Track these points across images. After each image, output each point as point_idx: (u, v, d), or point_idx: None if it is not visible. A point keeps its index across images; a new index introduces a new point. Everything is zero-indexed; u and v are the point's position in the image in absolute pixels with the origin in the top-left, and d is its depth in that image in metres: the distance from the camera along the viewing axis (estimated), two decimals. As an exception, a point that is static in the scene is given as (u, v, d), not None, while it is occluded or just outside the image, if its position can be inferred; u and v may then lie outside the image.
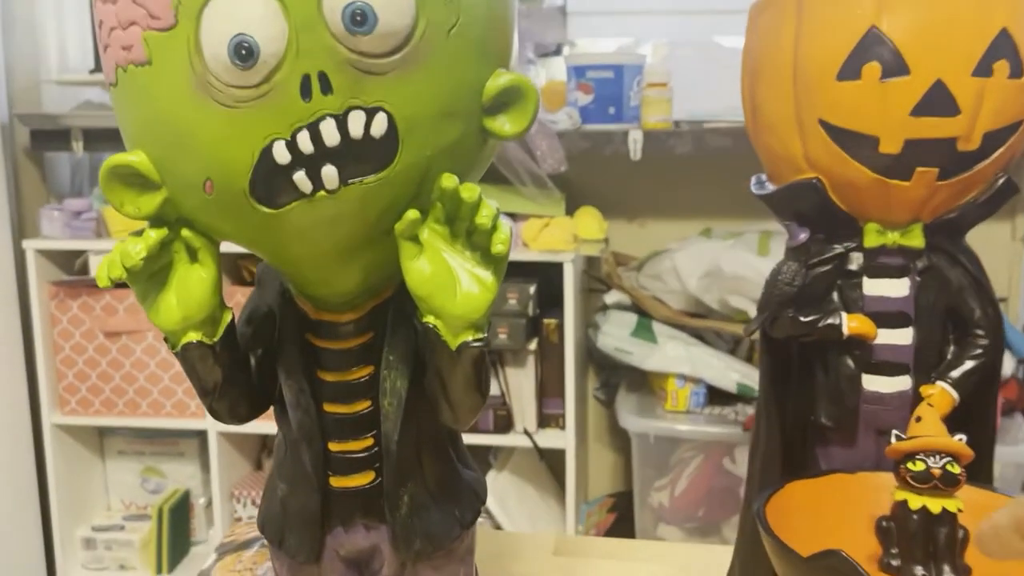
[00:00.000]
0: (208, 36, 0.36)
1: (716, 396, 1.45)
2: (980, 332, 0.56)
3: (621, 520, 1.61)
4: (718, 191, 1.64)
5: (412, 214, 0.40)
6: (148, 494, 1.73)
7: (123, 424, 1.62)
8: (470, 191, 0.40)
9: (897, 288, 0.55)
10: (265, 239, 0.42)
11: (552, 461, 1.64)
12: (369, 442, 0.47)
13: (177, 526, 1.69)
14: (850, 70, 0.51)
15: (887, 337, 0.56)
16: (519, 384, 1.54)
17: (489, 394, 0.45)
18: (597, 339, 1.55)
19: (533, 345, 1.52)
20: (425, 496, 0.48)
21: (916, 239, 0.55)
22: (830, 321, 0.55)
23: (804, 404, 0.60)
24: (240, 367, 0.46)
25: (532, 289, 1.49)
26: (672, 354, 1.45)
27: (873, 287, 0.56)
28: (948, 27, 0.49)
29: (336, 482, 0.47)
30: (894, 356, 0.56)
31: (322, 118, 0.37)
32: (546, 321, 1.53)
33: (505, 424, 1.53)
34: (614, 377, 1.66)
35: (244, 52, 0.36)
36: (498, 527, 1.57)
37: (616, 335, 1.51)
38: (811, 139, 0.53)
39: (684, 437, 1.44)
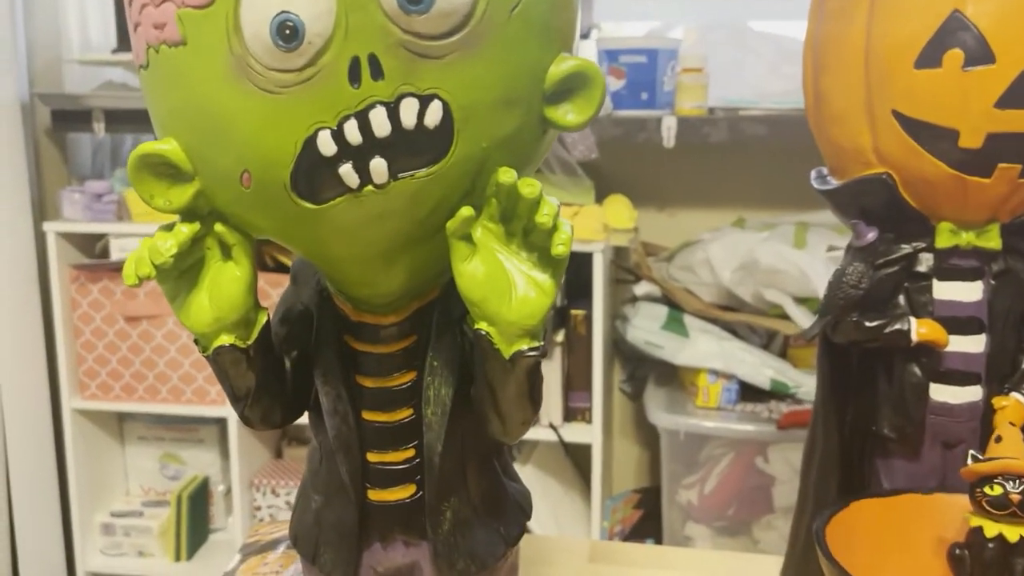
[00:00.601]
0: (249, 14, 0.33)
1: (749, 392, 1.41)
2: None
3: (648, 517, 1.58)
4: (753, 180, 1.60)
5: (466, 211, 0.36)
6: (167, 480, 1.72)
7: (143, 410, 1.61)
8: (530, 186, 0.36)
9: (970, 292, 0.52)
10: (306, 236, 0.38)
11: (577, 456, 1.61)
12: (410, 453, 0.44)
13: (196, 513, 1.67)
14: (930, 57, 0.47)
15: (958, 344, 0.52)
16: (545, 377, 1.50)
17: (540, 406, 0.42)
18: (626, 332, 1.52)
19: (560, 337, 1.49)
20: (469, 512, 0.45)
21: (992, 240, 0.51)
22: (898, 327, 0.52)
23: (865, 413, 0.56)
24: (274, 371, 0.43)
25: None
26: (704, 348, 1.42)
27: (944, 290, 0.52)
28: None
29: (375, 495, 0.44)
30: (965, 365, 0.52)
31: (372, 106, 0.34)
32: (574, 312, 1.49)
33: (530, 417, 1.50)
34: (641, 370, 1.63)
35: (288, 32, 0.32)
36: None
37: (646, 328, 1.47)
38: (883, 131, 0.50)
39: (715, 434, 1.41)
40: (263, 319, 0.41)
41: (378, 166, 0.34)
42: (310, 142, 0.34)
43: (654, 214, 1.67)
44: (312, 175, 0.35)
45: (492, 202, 0.37)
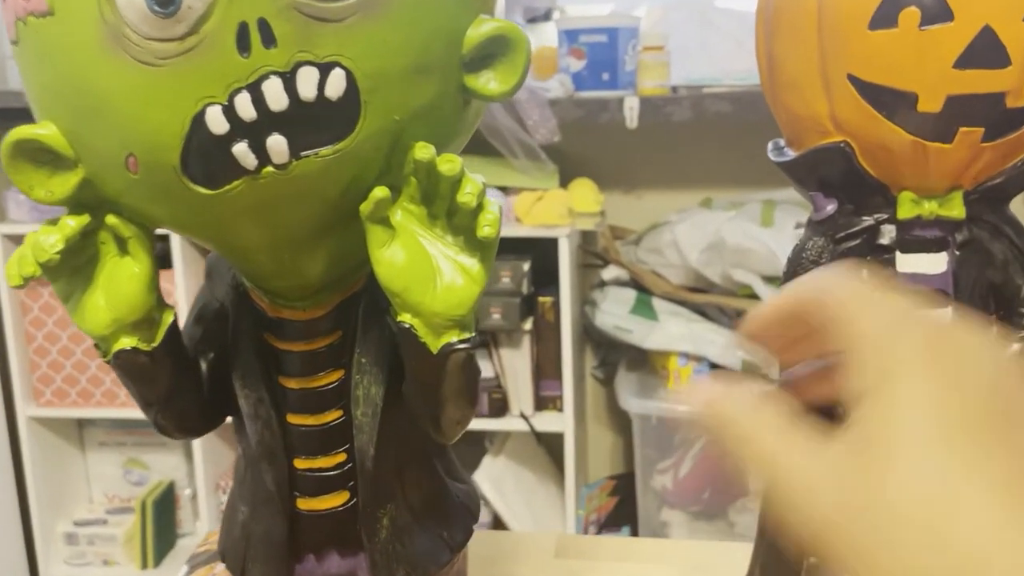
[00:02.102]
0: None
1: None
2: (1022, 310, 0.50)
3: (623, 504, 1.55)
4: (719, 159, 1.57)
5: (380, 192, 0.33)
6: (131, 486, 1.67)
7: (102, 415, 1.56)
8: (450, 163, 0.33)
9: (934, 264, 0.50)
10: (206, 225, 0.35)
11: (550, 444, 1.59)
12: (341, 458, 0.41)
13: (162, 519, 1.63)
14: (885, 17, 0.45)
15: (916, 264, 0.50)
16: (514, 366, 1.48)
17: (477, 403, 0.39)
18: (595, 317, 1.49)
19: (528, 325, 1.46)
20: (408, 518, 0.42)
21: (956, 209, 0.49)
22: None
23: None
24: (187, 375, 0.39)
25: (526, 266, 1.43)
26: (673, 331, 1.39)
27: (907, 263, 0.50)
28: None
29: (304, 504, 0.41)
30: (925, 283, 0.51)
31: (265, 77, 0.30)
32: (541, 299, 1.46)
33: (500, 408, 1.47)
34: (612, 355, 1.60)
35: (164, -4, 0.29)
36: (495, 514, 1.51)
37: (615, 312, 1.45)
38: (838, 97, 0.47)
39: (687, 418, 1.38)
40: (169, 319, 0.37)
41: (276, 144, 0.31)
42: (198, 120, 0.31)
43: (621, 197, 1.64)
44: (204, 157, 0.31)
45: (411, 181, 0.34)
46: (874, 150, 0.48)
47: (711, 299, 1.41)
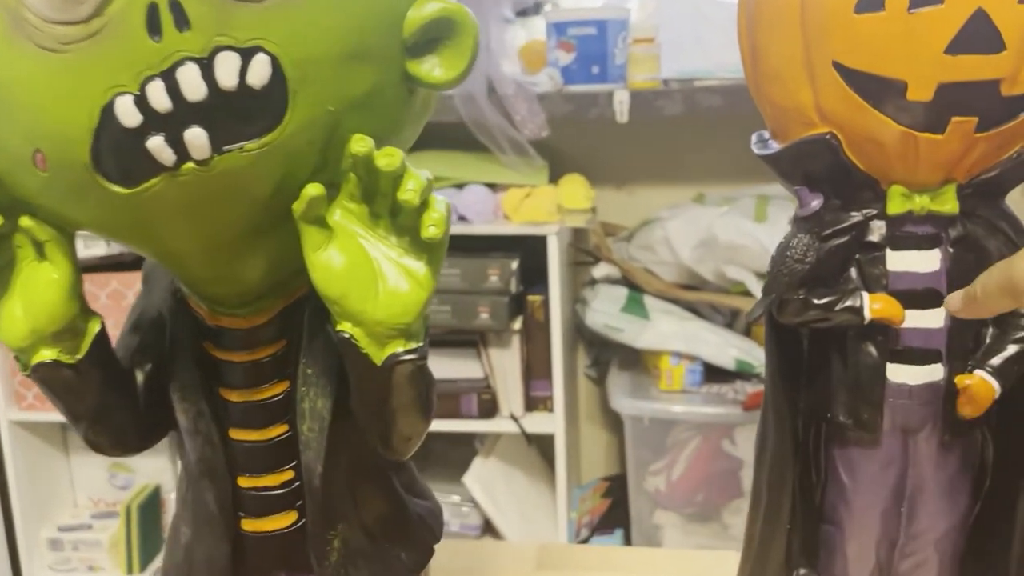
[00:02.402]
0: None
1: (713, 373, 1.36)
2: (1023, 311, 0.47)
3: (616, 506, 1.53)
4: (711, 154, 1.54)
5: (312, 190, 0.30)
6: (117, 490, 1.64)
7: (86, 418, 1.53)
8: (389, 157, 0.30)
9: (926, 262, 0.47)
10: (127, 228, 0.32)
11: (541, 446, 1.56)
12: (288, 475, 0.38)
13: (148, 523, 1.60)
14: (871, 0, 0.42)
15: (915, 319, 0.47)
16: (503, 366, 1.45)
17: (432, 416, 0.36)
18: (586, 316, 1.46)
19: (517, 324, 1.43)
20: (362, 539, 0.39)
21: (949, 203, 0.46)
22: (849, 303, 0.46)
23: (819, 400, 0.51)
24: (120, 388, 0.37)
25: (514, 264, 1.40)
26: (666, 330, 1.36)
27: (898, 261, 0.47)
28: None
29: (249, 525, 0.38)
30: (924, 341, 0.47)
31: (180, 63, 0.27)
32: (530, 298, 1.43)
33: (490, 409, 1.44)
34: (604, 355, 1.57)
35: (63, -27, 0.26)
36: (486, 518, 1.49)
37: (606, 311, 1.42)
38: (824, 86, 0.44)
39: (680, 419, 1.35)
40: (95, 328, 0.35)
41: (196, 138, 0.28)
42: (108, 111, 0.28)
43: (612, 193, 1.61)
44: (117, 152, 0.29)
45: (350, 178, 0.31)
46: (861, 142, 0.45)
47: (704, 296, 1.38)
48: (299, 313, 0.36)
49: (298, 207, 0.31)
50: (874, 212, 0.47)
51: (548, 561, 0.72)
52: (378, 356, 0.32)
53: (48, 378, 0.34)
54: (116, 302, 1.42)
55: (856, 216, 0.47)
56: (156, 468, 1.65)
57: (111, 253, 1.35)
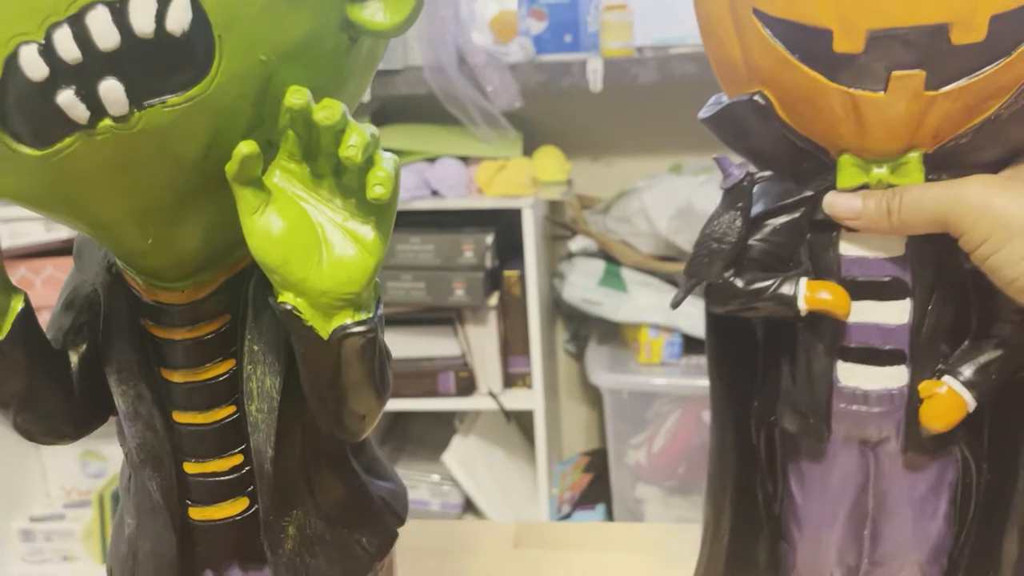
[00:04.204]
0: None
1: (693, 345, 1.34)
2: (1012, 306, 0.38)
3: (597, 480, 1.52)
4: (687, 123, 1.51)
5: (245, 148, 0.28)
6: (90, 479, 1.61)
7: (55, 406, 1.49)
8: (327, 109, 0.27)
9: (886, 245, 0.39)
10: (45, 195, 0.29)
11: (521, 422, 1.54)
12: (237, 460, 0.36)
13: (123, 511, 1.58)
14: None
15: (873, 313, 0.40)
16: (481, 343, 1.43)
17: (388, 392, 0.34)
18: (563, 290, 1.44)
19: (494, 300, 1.41)
20: (319, 525, 0.37)
21: (913, 175, 0.38)
22: (781, 290, 0.39)
23: (767, 400, 0.44)
24: (49, 371, 0.34)
25: (489, 239, 1.37)
26: (644, 303, 1.34)
27: (853, 244, 0.40)
28: None
29: (197, 514, 0.36)
30: (883, 340, 0.40)
31: (90, 6, 0.25)
32: (507, 273, 1.41)
33: (468, 386, 1.42)
34: (584, 328, 1.56)
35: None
36: (467, 497, 1.47)
37: (583, 285, 1.40)
38: (749, 38, 0.37)
39: (660, 391, 1.34)
40: (18, 306, 0.32)
41: (111, 91, 0.25)
42: (11, 63, 0.25)
43: (588, 164, 1.59)
44: (25, 109, 0.26)
45: (289, 135, 0.29)
46: (796, 102, 0.38)
47: (682, 268, 1.37)
48: (243, 286, 0.34)
49: (231, 168, 0.28)
50: (826, 186, 0.39)
51: (525, 539, 0.70)
52: (324, 329, 0.30)
53: (-32, 361, 0.31)
54: (52, 289, 1.38)
55: (806, 191, 0.40)
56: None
57: (45, 240, 1.31)
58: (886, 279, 0.39)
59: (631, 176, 1.51)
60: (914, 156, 0.37)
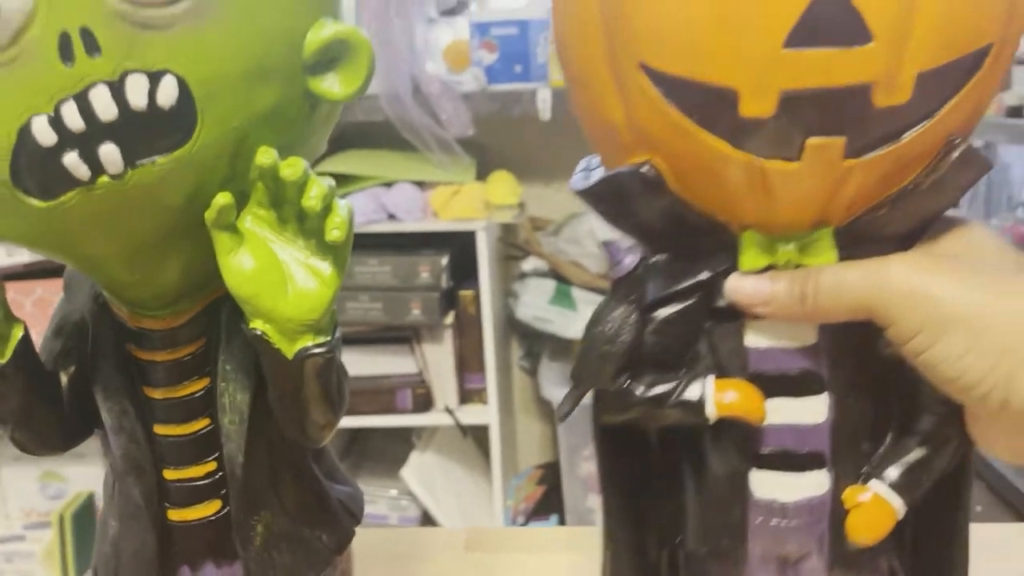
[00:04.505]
0: None
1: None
2: (937, 397, 0.33)
3: (551, 492, 1.57)
4: (633, 149, 1.59)
5: (222, 199, 0.33)
6: (49, 500, 1.62)
7: (15, 428, 1.51)
8: (291, 167, 0.33)
9: (798, 334, 0.35)
10: (46, 238, 0.34)
11: (477, 437, 1.59)
12: (211, 466, 0.40)
13: (82, 531, 1.59)
14: None
15: (787, 412, 0.35)
16: (437, 360, 1.48)
17: (345, 405, 0.39)
18: (516, 309, 1.50)
19: (449, 319, 1.46)
20: (284, 524, 0.41)
21: (824, 253, 0.33)
22: (686, 395, 0.34)
23: (669, 518, 0.38)
24: (44, 391, 0.39)
25: (444, 261, 1.43)
26: (593, 320, 1.41)
27: (761, 334, 0.35)
28: None
29: (175, 515, 0.41)
30: (800, 442, 0.35)
31: (92, 85, 0.30)
32: (462, 293, 1.46)
33: (425, 402, 1.47)
34: (536, 346, 1.61)
35: (-23, 7, 0.28)
36: (424, 510, 1.51)
37: (534, 304, 1.46)
38: (635, 97, 0.31)
39: (609, 405, 1.40)
40: (18, 333, 0.36)
41: (109, 154, 0.30)
42: (25, 131, 0.30)
43: (540, 188, 1.65)
44: (35, 169, 0.31)
45: (259, 187, 0.34)
46: (692, 172, 0.32)
47: (629, 287, 1.43)
48: (217, 313, 0.39)
49: (210, 215, 0.33)
50: (725, 267, 0.34)
51: (477, 543, 0.75)
52: (289, 350, 0.35)
53: (-27, 383, 0.36)
54: (41, 310, 1.41)
55: (703, 273, 0.34)
56: (88, 476, 1.63)
57: (35, 260, 1.34)
58: (799, 372, 0.35)
59: (580, 200, 1.57)
60: (825, 232, 0.33)
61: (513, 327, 1.65)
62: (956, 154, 0.31)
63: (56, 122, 0.30)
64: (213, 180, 0.33)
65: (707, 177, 0.32)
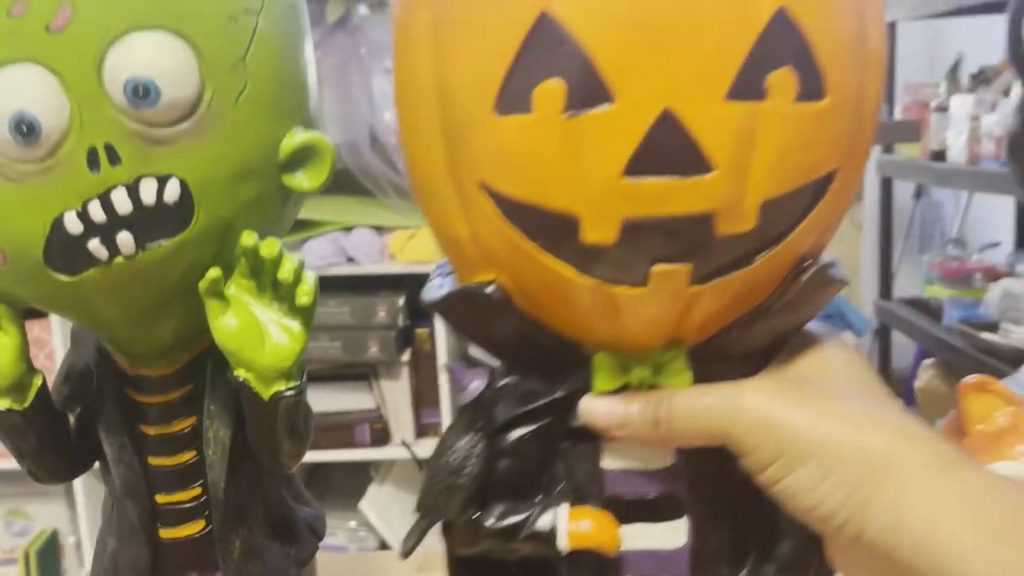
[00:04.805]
0: None
1: (585, 394, 1.49)
2: (799, 523, 0.32)
3: (503, 521, 1.64)
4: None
5: (213, 273, 0.41)
6: (14, 537, 1.65)
7: (-20, 467, 1.54)
8: (270, 247, 0.41)
9: (655, 456, 0.34)
10: (67, 303, 0.42)
11: (433, 469, 1.65)
12: (197, 491, 0.48)
13: (46, 568, 1.62)
14: (515, 96, 0.28)
15: (647, 537, 0.34)
16: (394, 396, 1.55)
17: (310, 438, 0.47)
18: (470, 345, 1.58)
19: (406, 356, 1.53)
20: (259, 539, 0.49)
21: (678, 374, 0.33)
22: (538, 527, 0.33)
23: None
24: (56, 429, 0.46)
25: (401, 301, 1.51)
26: (541, 357, 1.49)
27: (618, 456, 0.34)
28: (676, 11, 0.27)
29: (166, 533, 0.48)
30: (659, 568, 0.34)
31: (113, 187, 0.38)
32: (418, 331, 1.54)
33: (382, 437, 1.54)
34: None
35: (26, 128, 0.36)
36: (382, 541, 1.57)
37: (487, 341, 1.53)
38: (476, 216, 0.31)
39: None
40: (38, 382, 0.44)
41: (124, 240, 0.38)
42: (58, 223, 0.38)
43: (492, 231, 1.74)
44: (63, 251, 0.39)
45: (242, 262, 0.42)
46: (540, 293, 0.32)
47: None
48: (202, 363, 0.46)
49: (203, 285, 0.41)
50: (580, 385, 0.33)
51: (429, 565, 0.82)
52: (266, 393, 0.43)
53: (2, 422, 0.43)
54: (36, 348, 1.45)
55: (557, 392, 0.34)
56: (53, 514, 1.67)
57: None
58: (657, 496, 0.34)
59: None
60: (680, 351, 0.33)
61: (468, 363, 1.73)
62: (806, 276, 0.31)
63: (83, 216, 0.38)
64: (205, 257, 0.41)
65: (555, 299, 0.31)
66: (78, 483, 1.54)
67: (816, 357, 0.32)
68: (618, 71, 0.27)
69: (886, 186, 2.39)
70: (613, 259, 0.29)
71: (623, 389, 0.33)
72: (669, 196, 0.28)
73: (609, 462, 0.34)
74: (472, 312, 0.33)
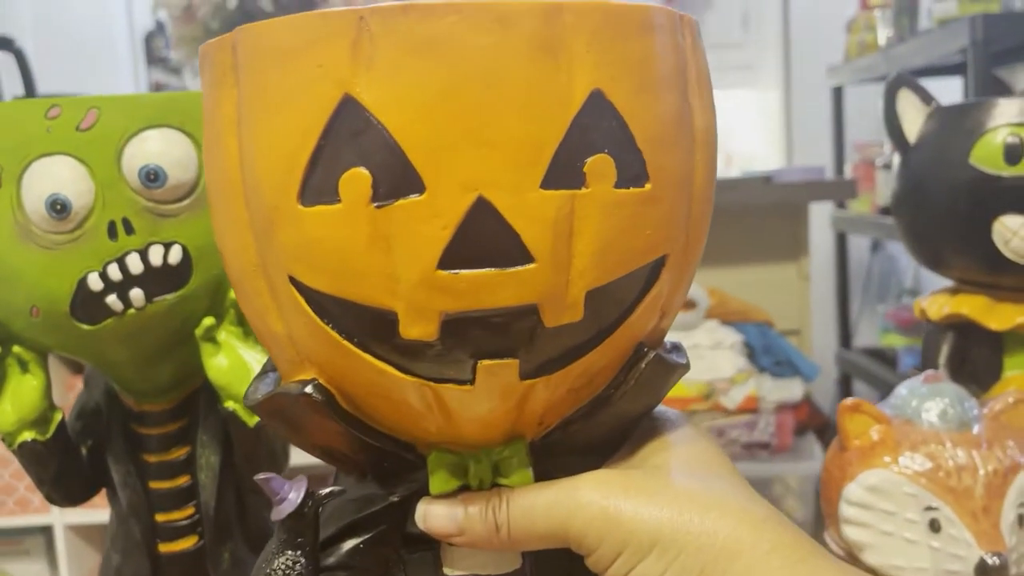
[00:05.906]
0: (28, 195, 0.46)
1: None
2: None
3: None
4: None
5: (207, 321, 0.50)
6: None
7: (-37, 528, 1.58)
8: None
9: (502, 561, 0.32)
10: (86, 349, 0.51)
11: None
12: (191, 511, 0.56)
13: (27, 627, 1.65)
14: (321, 185, 0.27)
15: None
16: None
17: (288, 460, 0.55)
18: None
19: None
20: (245, 551, 0.57)
21: (519, 471, 0.31)
22: None
23: None
24: (72, 458, 0.54)
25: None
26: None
27: (459, 561, 0.32)
28: (487, 93, 0.25)
29: (164, 548, 0.56)
30: None
31: (128, 252, 0.47)
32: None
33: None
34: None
35: (59, 207, 0.45)
36: None
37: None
38: (289, 311, 0.29)
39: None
40: (59, 417, 0.52)
41: (136, 295, 0.47)
42: (82, 282, 0.47)
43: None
44: (86, 305, 0.47)
45: (231, 312, 0.51)
46: (363, 394, 0.30)
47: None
48: (197, 399, 0.55)
49: (199, 331, 0.50)
50: (416, 488, 0.32)
51: None
52: (251, 421, 0.51)
53: (28, 452, 0.51)
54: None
55: (392, 496, 0.32)
56: (32, 573, 1.70)
57: None
58: None
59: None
60: (519, 446, 0.31)
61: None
62: (644, 364, 0.30)
63: (103, 276, 0.47)
64: (201, 308, 0.50)
65: (380, 398, 0.29)
66: (59, 542, 1.59)
67: (661, 442, 0.31)
68: (427, 158, 0.25)
69: (841, 240, 2.51)
70: (436, 356, 0.28)
71: (464, 490, 0.31)
72: (489, 289, 0.26)
73: (451, 570, 0.32)
74: (292, 415, 0.30)
